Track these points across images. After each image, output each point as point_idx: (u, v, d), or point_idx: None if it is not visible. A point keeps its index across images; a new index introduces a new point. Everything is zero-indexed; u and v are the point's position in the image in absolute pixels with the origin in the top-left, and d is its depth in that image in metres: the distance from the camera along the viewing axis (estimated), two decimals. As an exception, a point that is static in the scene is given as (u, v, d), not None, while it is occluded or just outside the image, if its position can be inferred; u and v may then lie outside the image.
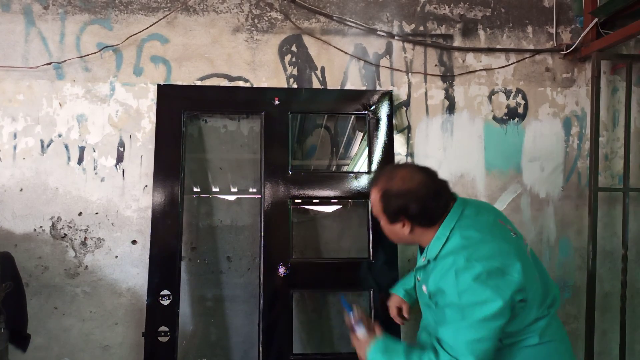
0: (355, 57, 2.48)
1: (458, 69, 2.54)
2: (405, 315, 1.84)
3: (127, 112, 2.36)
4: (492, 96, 2.56)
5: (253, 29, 2.44)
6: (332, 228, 2.51)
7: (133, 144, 2.36)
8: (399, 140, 2.48)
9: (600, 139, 2.56)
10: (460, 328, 1.35)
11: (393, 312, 1.86)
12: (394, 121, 2.44)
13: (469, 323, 1.33)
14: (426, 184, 1.44)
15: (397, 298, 1.87)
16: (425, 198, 1.43)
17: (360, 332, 1.57)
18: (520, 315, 1.40)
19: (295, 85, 2.44)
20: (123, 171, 2.35)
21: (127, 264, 2.33)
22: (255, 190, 2.48)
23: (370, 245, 2.31)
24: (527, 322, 1.43)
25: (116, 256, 2.33)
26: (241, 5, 2.44)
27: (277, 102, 2.35)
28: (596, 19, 2.47)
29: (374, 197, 1.50)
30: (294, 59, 2.46)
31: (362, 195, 2.35)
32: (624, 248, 2.47)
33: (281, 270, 2.24)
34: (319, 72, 2.46)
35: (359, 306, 1.64)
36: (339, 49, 2.47)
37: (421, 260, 1.52)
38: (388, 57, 2.51)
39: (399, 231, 1.49)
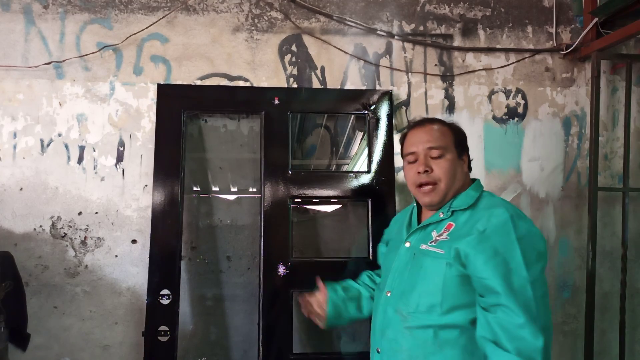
0: (355, 56, 2.48)
1: (458, 69, 2.54)
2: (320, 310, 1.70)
3: (127, 111, 2.37)
4: (492, 96, 2.56)
5: (253, 28, 2.44)
6: (332, 228, 2.51)
7: (133, 144, 2.36)
8: (398, 140, 2.48)
9: (600, 138, 2.56)
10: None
11: (312, 309, 1.71)
12: (393, 121, 2.44)
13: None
14: None
15: (324, 294, 1.71)
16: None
17: None
18: None
19: (295, 85, 2.44)
20: (123, 170, 2.35)
21: (127, 263, 2.33)
22: (255, 189, 2.48)
23: (370, 245, 2.31)
24: None
25: (116, 255, 2.33)
26: (241, 4, 2.44)
27: (277, 101, 2.35)
28: (596, 19, 2.47)
29: (444, 129, 1.53)
30: (293, 59, 2.46)
31: (362, 195, 2.35)
32: (624, 248, 2.47)
33: (281, 269, 2.24)
34: (318, 72, 2.46)
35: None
36: (338, 49, 2.47)
37: (438, 216, 1.51)
38: (388, 57, 2.51)
39: (459, 167, 1.52)
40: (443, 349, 1.38)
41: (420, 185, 1.50)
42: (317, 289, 1.74)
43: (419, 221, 1.59)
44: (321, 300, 1.71)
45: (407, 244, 1.54)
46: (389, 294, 1.50)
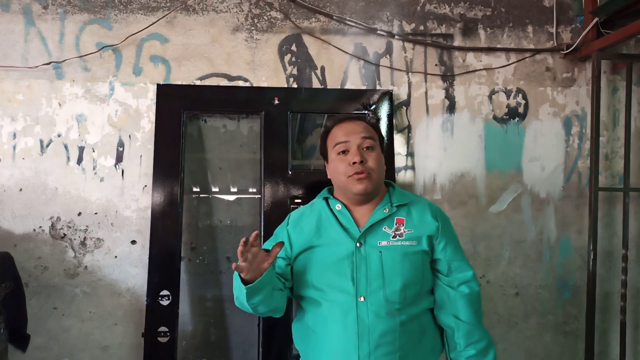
0: (355, 56, 2.48)
1: (458, 69, 2.54)
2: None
3: (127, 111, 2.36)
4: (493, 96, 2.55)
5: (253, 28, 2.44)
6: (332, 228, 2.50)
7: (132, 144, 2.36)
8: (399, 140, 2.47)
9: (601, 138, 2.56)
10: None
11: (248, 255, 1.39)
12: (394, 121, 2.44)
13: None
14: None
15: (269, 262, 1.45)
16: None
17: None
18: None
19: (295, 85, 2.44)
20: (122, 171, 2.35)
21: (126, 264, 2.33)
22: (254, 190, 2.47)
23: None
24: None
25: (116, 256, 2.33)
26: (241, 4, 2.44)
27: (276, 101, 2.34)
28: (596, 19, 2.46)
29: (370, 127, 1.58)
30: (293, 59, 2.45)
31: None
32: (624, 248, 2.47)
33: (281, 270, 2.23)
34: (318, 72, 2.46)
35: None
36: (339, 49, 2.46)
37: (383, 212, 1.51)
38: (388, 57, 2.50)
39: (383, 163, 1.59)
40: (425, 334, 1.51)
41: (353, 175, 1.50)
42: (270, 249, 1.46)
43: (355, 219, 1.53)
44: (262, 265, 1.45)
45: (359, 245, 1.49)
46: (363, 299, 1.44)
